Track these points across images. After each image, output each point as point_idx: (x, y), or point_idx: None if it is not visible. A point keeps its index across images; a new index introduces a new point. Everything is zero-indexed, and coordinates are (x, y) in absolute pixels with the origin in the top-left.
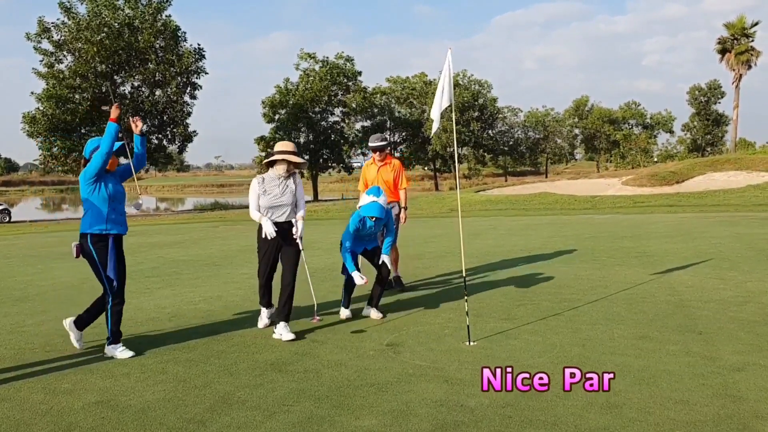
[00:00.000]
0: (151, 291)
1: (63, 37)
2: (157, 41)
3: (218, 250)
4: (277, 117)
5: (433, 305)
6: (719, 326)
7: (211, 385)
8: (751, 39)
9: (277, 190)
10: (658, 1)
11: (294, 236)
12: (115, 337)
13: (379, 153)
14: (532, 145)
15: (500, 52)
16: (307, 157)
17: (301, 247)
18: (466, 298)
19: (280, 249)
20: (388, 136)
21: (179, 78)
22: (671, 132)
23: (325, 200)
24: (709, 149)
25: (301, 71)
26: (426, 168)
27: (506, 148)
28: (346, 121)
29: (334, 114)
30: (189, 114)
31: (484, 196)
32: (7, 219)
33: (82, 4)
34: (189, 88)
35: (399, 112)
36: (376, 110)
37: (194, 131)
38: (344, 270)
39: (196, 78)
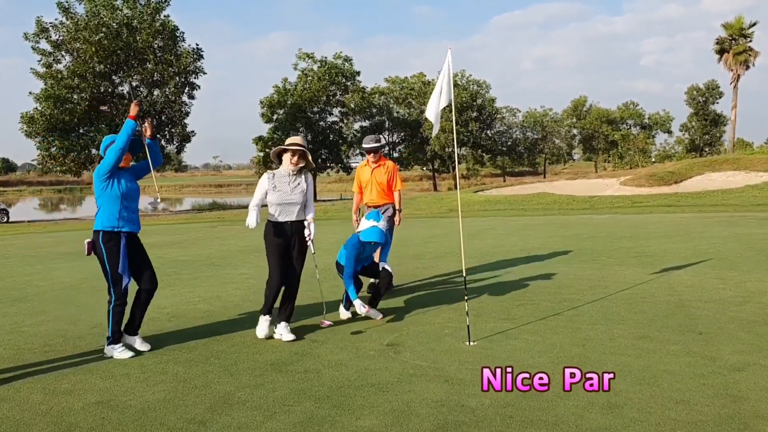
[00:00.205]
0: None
1: (61, 37)
2: (156, 41)
3: (217, 251)
4: (275, 117)
5: (433, 305)
6: (719, 326)
7: (211, 385)
8: (749, 39)
9: (287, 187)
10: (656, 1)
11: (307, 238)
12: (114, 337)
13: (373, 154)
14: (530, 146)
15: (499, 53)
16: None
17: (312, 250)
18: (466, 298)
19: (290, 251)
20: (386, 137)
21: (177, 78)
22: (669, 132)
23: (324, 200)
24: (707, 149)
25: (300, 71)
26: (424, 168)
27: (504, 149)
28: (345, 121)
29: (332, 114)
30: (187, 114)
31: (482, 197)
32: (5, 219)
33: (80, 4)
34: (187, 88)
35: (397, 112)
36: (374, 110)
37: (192, 131)
38: (340, 271)
39: (195, 78)
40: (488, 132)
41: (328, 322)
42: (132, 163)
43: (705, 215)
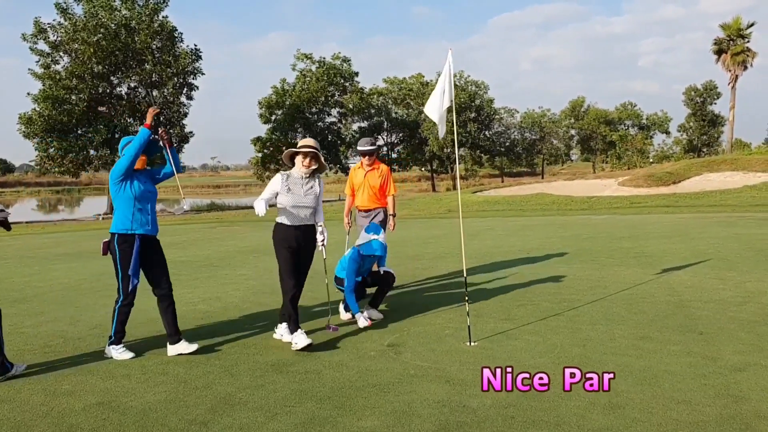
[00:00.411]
0: (149, 292)
1: (59, 38)
2: (154, 42)
3: (215, 251)
4: (273, 118)
5: (433, 306)
6: (719, 326)
7: (212, 386)
8: (746, 40)
9: (300, 189)
10: (654, 2)
11: (320, 243)
12: (117, 338)
13: (368, 157)
14: (528, 146)
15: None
16: None
17: (324, 255)
18: (467, 298)
19: (300, 255)
20: (385, 137)
21: (176, 79)
22: (667, 133)
23: (323, 201)
24: (705, 150)
25: (298, 72)
26: (423, 169)
27: (503, 149)
28: (343, 121)
29: (331, 115)
30: (185, 115)
31: (481, 197)
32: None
33: (78, 4)
34: (185, 89)
35: (396, 113)
36: (373, 111)
37: (191, 132)
38: (339, 284)
39: (193, 79)
40: (486, 132)
41: (335, 327)
42: (148, 168)
43: (703, 215)
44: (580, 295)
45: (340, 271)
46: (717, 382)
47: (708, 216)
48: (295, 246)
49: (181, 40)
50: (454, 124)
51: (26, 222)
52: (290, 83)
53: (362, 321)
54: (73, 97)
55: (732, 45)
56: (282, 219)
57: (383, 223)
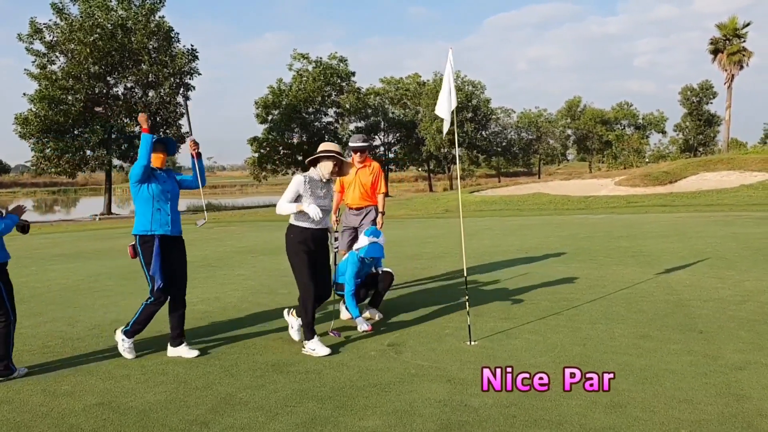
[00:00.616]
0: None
1: (55, 38)
2: (151, 42)
3: (213, 252)
4: (270, 118)
5: (433, 305)
6: (719, 325)
7: (212, 386)
8: (743, 40)
9: (320, 192)
10: (649, 2)
11: (334, 246)
12: (131, 330)
13: (359, 154)
14: (525, 146)
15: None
16: (300, 157)
17: (336, 260)
18: (467, 297)
19: (318, 259)
20: (381, 137)
21: (172, 79)
22: (663, 132)
23: None
24: (701, 149)
25: (295, 72)
26: (420, 169)
27: (499, 149)
28: (340, 121)
29: (327, 114)
30: (182, 115)
31: (478, 197)
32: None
33: (74, 5)
34: (182, 89)
35: (393, 112)
36: (369, 111)
37: (187, 132)
38: (338, 289)
39: (189, 79)
40: (483, 132)
41: (337, 333)
42: (170, 168)
43: (700, 215)
44: (579, 294)
45: (339, 277)
46: (718, 380)
47: (705, 215)
48: (313, 249)
49: (178, 40)
50: (454, 123)
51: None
52: (287, 83)
53: (362, 326)
54: (70, 98)
55: (728, 44)
56: (300, 222)
57: (374, 222)
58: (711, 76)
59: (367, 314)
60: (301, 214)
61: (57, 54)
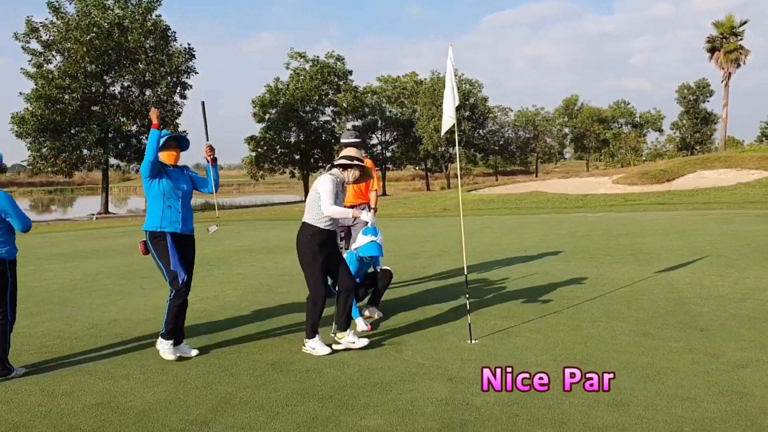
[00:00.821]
0: (147, 291)
1: (52, 37)
2: (147, 41)
3: (212, 251)
4: (267, 117)
5: (433, 304)
6: (720, 323)
7: (212, 385)
8: (739, 38)
9: (341, 194)
10: (645, 0)
11: (346, 246)
12: (167, 329)
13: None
14: (522, 145)
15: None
16: (297, 156)
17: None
18: (467, 296)
19: (332, 257)
20: (379, 136)
21: (169, 78)
22: (660, 131)
23: None
24: (698, 147)
25: (292, 71)
26: (417, 168)
27: (497, 148)
28: (337, 120)
29: (324, 113)
30: (179, 114)
31: (476, 196)
32: None
33: (71, 3)
34: (179, 88)
35: (390, 111)
36: (367, 110)
37: (184, 131)
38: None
39: (186, 78)
40: (480, 131)
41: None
42: (184, 166)
43: (699, 213)
44: (579, 292)
45: None
46: (720, 378)
47: (703, 213)
48: (329, 251)
49: (175, 39)
50: (456, 123)
51: None
52: (284, 82)
53: (362, 325)
54: (66, 97)
55: (725, 43)
56: (321, 222)
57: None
58: (707, 74)
59: (366, 313)
60: (322, 215)
61: (53, 53)
